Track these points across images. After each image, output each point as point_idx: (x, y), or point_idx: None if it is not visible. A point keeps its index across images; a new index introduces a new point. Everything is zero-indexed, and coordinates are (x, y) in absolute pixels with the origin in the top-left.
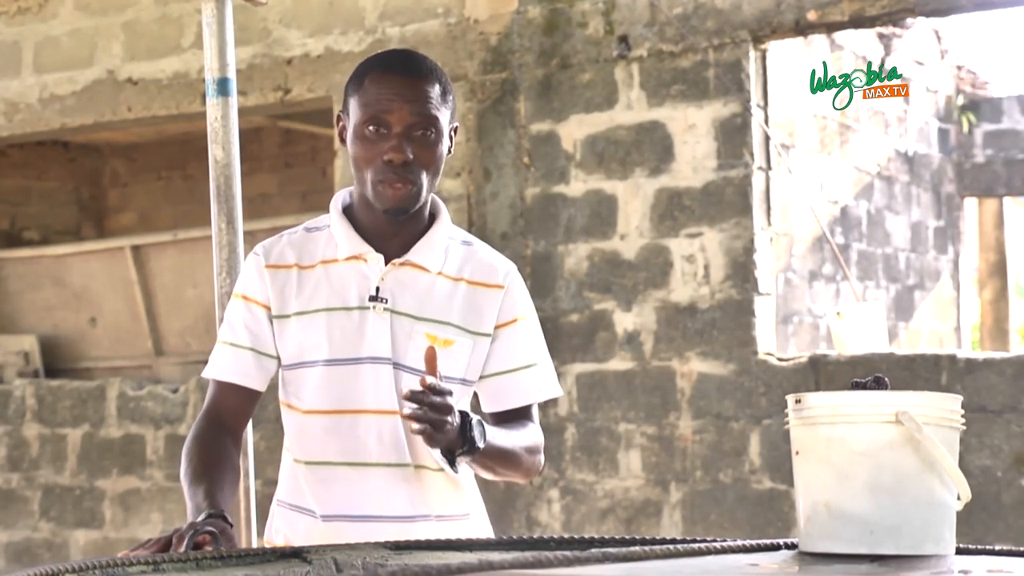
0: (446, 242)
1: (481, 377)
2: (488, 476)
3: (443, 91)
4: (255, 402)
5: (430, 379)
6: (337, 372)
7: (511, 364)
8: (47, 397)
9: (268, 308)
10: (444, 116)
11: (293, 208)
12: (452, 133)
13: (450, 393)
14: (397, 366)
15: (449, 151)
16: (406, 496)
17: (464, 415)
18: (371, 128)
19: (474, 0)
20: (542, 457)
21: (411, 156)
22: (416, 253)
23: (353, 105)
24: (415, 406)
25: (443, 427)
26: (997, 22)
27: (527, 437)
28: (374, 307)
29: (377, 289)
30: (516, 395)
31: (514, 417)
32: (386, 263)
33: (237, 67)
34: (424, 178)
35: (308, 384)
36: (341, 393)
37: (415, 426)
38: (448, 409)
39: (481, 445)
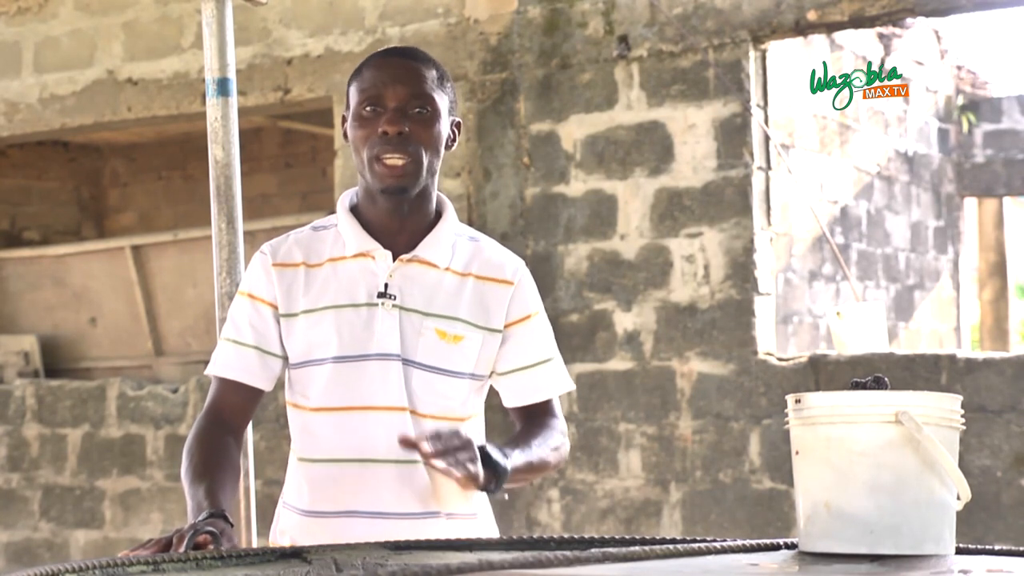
0: (453, 238)
1: (500, 374)
2: (525, 485)
3: (439, 76)
4: (257, 401)
5: (433, 427)
6: (346, 369)
7: (529, 360)
8: (47, 397)
9: (275, 307)
10: (441, 99)
11: (293, 208)
12: (454, 127)
13: (457, 431)
14: (406, 362)
15: (452, 143)
16: (415, 493)
17: (480, 447)
18: (368, 108)
19: (474, 0)
20: (567, 445)
21: (406, 128)
22: (423, 249)
23: (352, 93)
24: (437, 452)
25: (470, 458)
26: (997, 22)
27: (550, 437)
28: (383, 303)
29: (386, 286)
30: (536, 391)
31: (537, 412)
32: (393, 259)
33: (237, 67)
34: (422, 154)
35: (316, 382)
36: (350, 390)
37: (440, 464)
38: (464, 440)
39: (508, 465)
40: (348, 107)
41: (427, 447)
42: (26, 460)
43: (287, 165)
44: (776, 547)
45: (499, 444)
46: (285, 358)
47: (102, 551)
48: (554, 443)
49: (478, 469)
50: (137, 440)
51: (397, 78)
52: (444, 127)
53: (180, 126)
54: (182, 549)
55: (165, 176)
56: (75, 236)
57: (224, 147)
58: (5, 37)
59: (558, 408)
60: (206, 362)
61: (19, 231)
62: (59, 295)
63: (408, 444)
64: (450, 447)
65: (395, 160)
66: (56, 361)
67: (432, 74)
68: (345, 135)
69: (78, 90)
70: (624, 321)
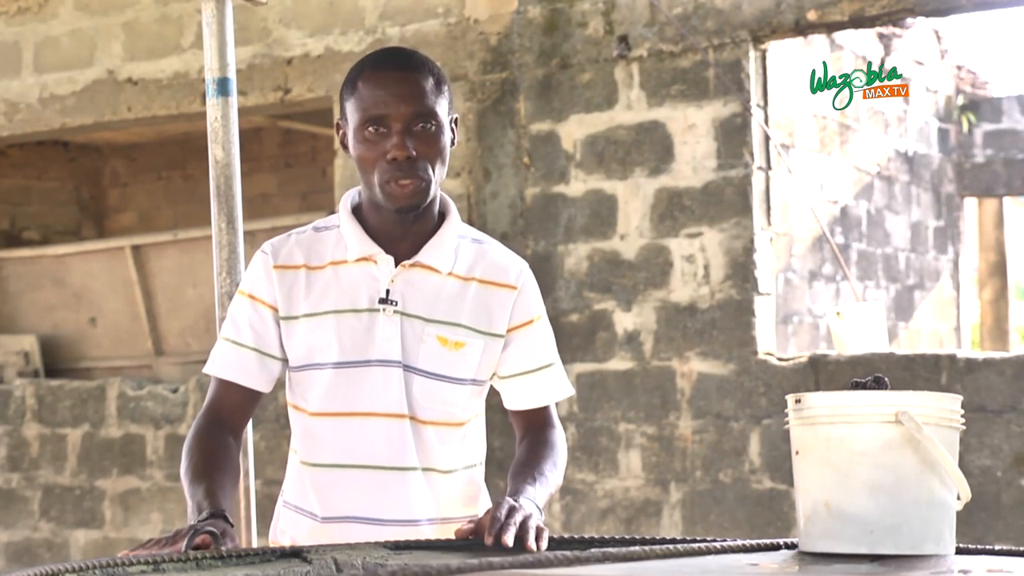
0: (456, 241)
1: (502, 377)
2: None
3: (437, 82)
4: (256, 401)
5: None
6: (346, 375)
7: (531, 364)
8: (47, 397)
9: (275, 309)
10: (441, 107)
11: (293, 208)
12: (453, 124)
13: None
14: (407, 369)
15: (453, 142)
16: (414, 499)
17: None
18: (371, 129)
19: (474, 0)
20: (566, 452)
21: (414, 152)
22: (426, 254)
23: (350, 109)
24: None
25: (529, 519)
26: (997, 22)
27: (555, 456)
28: (384, 309)
29: (387, 292)
30: (537, 395)
31: (536, 418)
32: (396, 264)
33: (237, 67)
34: (431, 171)
35: (316, 386)
36: (350, 396)
37: (508, 538)
38: (510, 505)
39: (542, 514)
40: (344, 117)
41: (490, 539)
42: (26, 460)
43: (287, 165)
44: (776, 547)
45: (518, 481)
46: (285, 360)
47: (102, 551)
48: (560, 461)
49: (534, 522)
50: (137, 440)
51: (399, 96)
52: (448, 135)
53: (180, 126)
54: (182, 549)
55: (165, 176)
56: (75, 236)
57: (224, 147)
58: (5, 37)
59: (555, 413)
60: (207, 362)
61: (19, 231)
62: (59, 295)
63: (465, 535)
64: (507, 522)
65: (406, 183)
66: (56, 361)
67: (430, 83)
68: (343, 145)
69: (78, 90)
70: (624, 321)
